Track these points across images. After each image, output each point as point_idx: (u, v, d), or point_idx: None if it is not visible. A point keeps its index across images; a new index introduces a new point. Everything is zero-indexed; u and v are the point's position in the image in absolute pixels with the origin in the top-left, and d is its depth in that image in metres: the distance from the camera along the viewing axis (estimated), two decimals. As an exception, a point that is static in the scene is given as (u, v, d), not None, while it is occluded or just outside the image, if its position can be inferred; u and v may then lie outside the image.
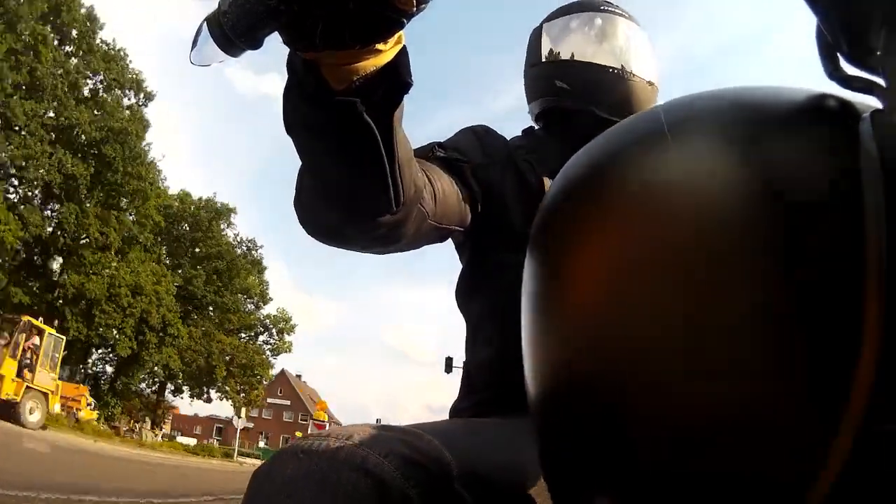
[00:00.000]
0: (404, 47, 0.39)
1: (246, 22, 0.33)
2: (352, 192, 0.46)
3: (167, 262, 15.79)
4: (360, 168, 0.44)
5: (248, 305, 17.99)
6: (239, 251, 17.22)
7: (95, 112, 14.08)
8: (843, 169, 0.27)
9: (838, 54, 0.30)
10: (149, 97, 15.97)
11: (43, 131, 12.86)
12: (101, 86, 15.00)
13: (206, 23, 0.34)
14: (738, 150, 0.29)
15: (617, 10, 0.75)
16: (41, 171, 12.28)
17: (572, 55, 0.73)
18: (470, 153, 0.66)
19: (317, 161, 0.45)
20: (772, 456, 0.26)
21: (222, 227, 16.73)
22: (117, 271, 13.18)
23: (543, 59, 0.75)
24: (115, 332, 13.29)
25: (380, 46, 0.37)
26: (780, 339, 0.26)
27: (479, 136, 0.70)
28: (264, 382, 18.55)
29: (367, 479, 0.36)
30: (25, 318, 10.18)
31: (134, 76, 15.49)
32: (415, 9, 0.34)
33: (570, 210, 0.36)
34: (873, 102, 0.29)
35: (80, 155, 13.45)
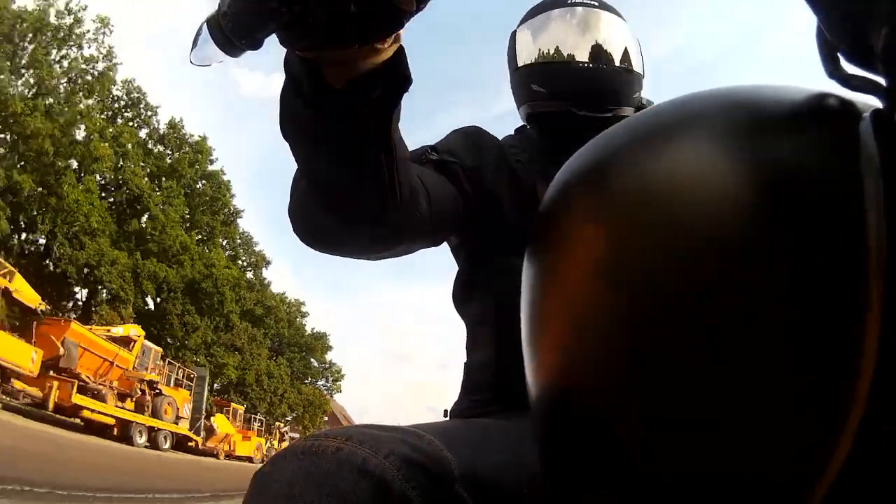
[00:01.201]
0: (401, 46, 0.39)
1: (246, 23, 0.33)
2: (349, 194, 0.45)
3: (277, 351, 24.66)
4: (357, 169, 0.43)
5: (321, 367, 27.40)
6: (311, 335, 26.10)
7: (254, 293, 22.17)
8: (843, 169, 0.27)
9: (838, 54, 0.29)
10: (268, 263, 23.66)
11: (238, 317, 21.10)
12: (247, 265, 22.80)
13: (206, 23, 0.34)
14: (738, 149, 0.29)
15: (587, 1, 0.72)
16: (242, 341, 20.60)
17: (545, 57, 0.72)
18: (462, 155, 0.65)
19: (314, 163, 0.45)
20: (771, 457, 0.26)
21: (303, 321, 26.04)
22: (260, 365, 21.54)
23: (520, 65, 0.74)
24: (259, 402, 21.54)
25: (378, 45, 0.37)
26: (780, 339, 0.26)
27: (471, 138, 0.69)
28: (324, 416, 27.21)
29: (367, 479, 0.36)
30: (278, 423, 20.37)
31: (262, 255, 23.29)
32: (415, 8, 0.34)
33: (568, 212, 0.35)
34: (873, 102, 0.29)
35: (257, 325, 22.08)
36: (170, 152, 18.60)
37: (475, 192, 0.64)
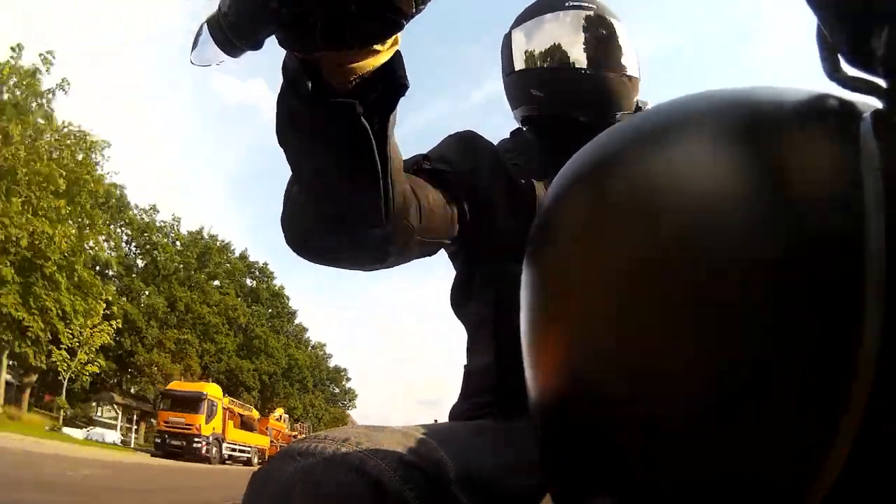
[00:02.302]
0: (398, 50, 0.39)
1: (246, 23, 0.33)
2: (343, 198, 0.45)
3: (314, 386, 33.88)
4: (353, 174, 0.43)
5: (342, 392, 38.03)
6: (333, 369, 36.05)
7: (301, 352, 30.76)
8: (843, 169, 0.27)
9: (839, 55, 0.30)
10: (306, 330, 33.29)
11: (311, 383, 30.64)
12: (290, 333, 31.53)
13: (206, 24, 0.34)
14: (738, 151, 0.29)
15: (584, 4, 0.70)
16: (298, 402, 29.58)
17: (543, 61, 0.70)
18: (457, 162, 0.64)
19: (309, 168, 0.44)
20: (770, 459, 0.26)
21: (329, 361, 36.12)
22: (305, 399, 30.42)
23: (516, 69, 0.73)
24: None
25: (377, 47, 0.37)
26: (779, 340, 0.26)
27: (466, 143, 0.68)
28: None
29: (364, 481, 0.36)
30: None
31: (301, 326, 32.96)
32: (414, 10, 0.34)
33: (568, 215, 0.35)
34: (873, 102, 0.29)
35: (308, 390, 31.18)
36: (251, 282, 29.04)
37: (471, 197, 0.63)
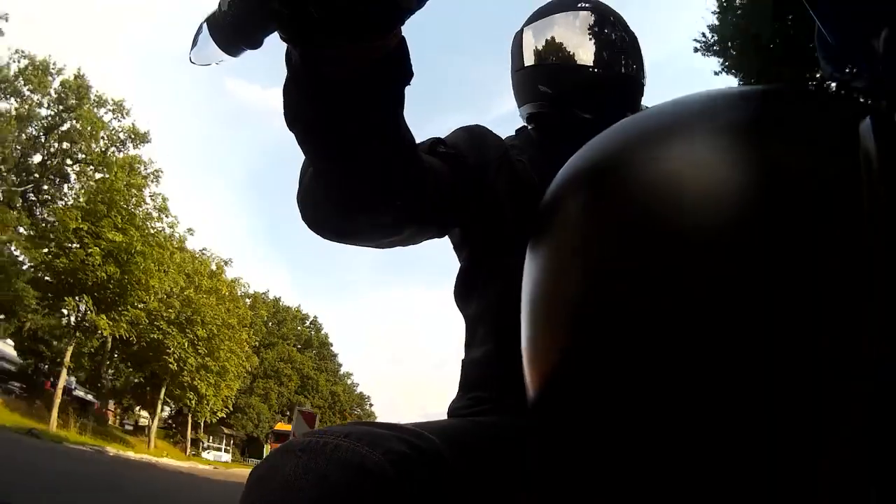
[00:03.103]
0: (403, 38, 0.39)
1: (246, 22, 0.33)
2: (349, 184, 0.46)
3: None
4: (357, 159, 0.44)
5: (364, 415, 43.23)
6: (358, 395, 41.94)
7: (338, 385, 38.28)
8: (843, 168, 0.27)
9: (839, 55, 0.30)
10: (340, 366, 39.53)
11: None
12: (328, 371, 38.14)
13: (206, 23, 0.34)
14: (739, 149, 0.29)
15: (595, 6, 0.73)
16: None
17: (553, 58, 0.72)
18: (466, 152, 0.64)
19: (318, 154, 0.45)
20: (772, 457, 0.26)
21: (351, 385, 42.30)
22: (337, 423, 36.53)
23: (526, 65, 0.74)
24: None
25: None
26: (780, 339, 0.26)
27: (475, 136, 0.68)
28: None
29: (365, 477, 0.36)
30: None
31: (337, 362, 39.78)
32: (415, 4, 0.34)
33: (568, 211, 0.36)
34: (873, 102, 0.29)
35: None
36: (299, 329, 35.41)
37: (477, 189, 0.63)
